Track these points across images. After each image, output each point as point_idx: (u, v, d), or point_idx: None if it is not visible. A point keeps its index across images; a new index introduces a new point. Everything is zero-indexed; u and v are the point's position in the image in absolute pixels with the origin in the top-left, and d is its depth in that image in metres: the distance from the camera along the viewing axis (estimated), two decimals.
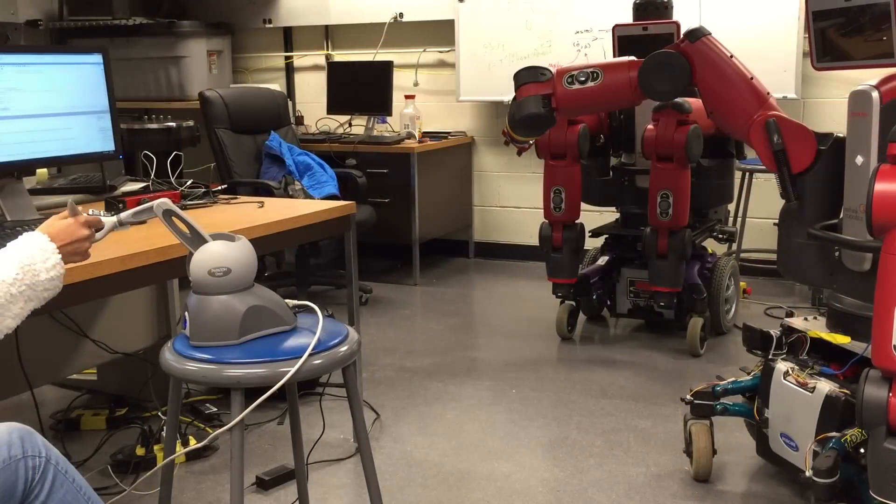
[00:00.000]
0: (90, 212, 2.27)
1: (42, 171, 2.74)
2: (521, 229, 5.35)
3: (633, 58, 2.80)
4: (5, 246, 1.51)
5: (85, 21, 5.29)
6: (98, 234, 1.65)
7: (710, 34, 2.72)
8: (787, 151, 2.43)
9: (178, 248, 1.97)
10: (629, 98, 2.83)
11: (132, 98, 5.26)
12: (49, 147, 2.34)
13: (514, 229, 5.40)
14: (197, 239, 1.69)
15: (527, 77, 2.85)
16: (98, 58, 2.46)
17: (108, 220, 1.67)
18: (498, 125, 5.33)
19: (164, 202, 1.68)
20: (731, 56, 2.68)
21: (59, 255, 1.53)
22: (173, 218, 1.69)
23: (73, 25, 5.32)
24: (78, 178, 2.77)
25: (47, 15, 5.40)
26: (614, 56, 3.65)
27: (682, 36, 2.75)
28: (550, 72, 2.83)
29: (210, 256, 1.68)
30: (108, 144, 2.49)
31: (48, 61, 2.35)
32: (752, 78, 2.62)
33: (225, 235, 1.73)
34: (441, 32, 5.26)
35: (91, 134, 2.45)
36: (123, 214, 1.70)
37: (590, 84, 2.76)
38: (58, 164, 2.65)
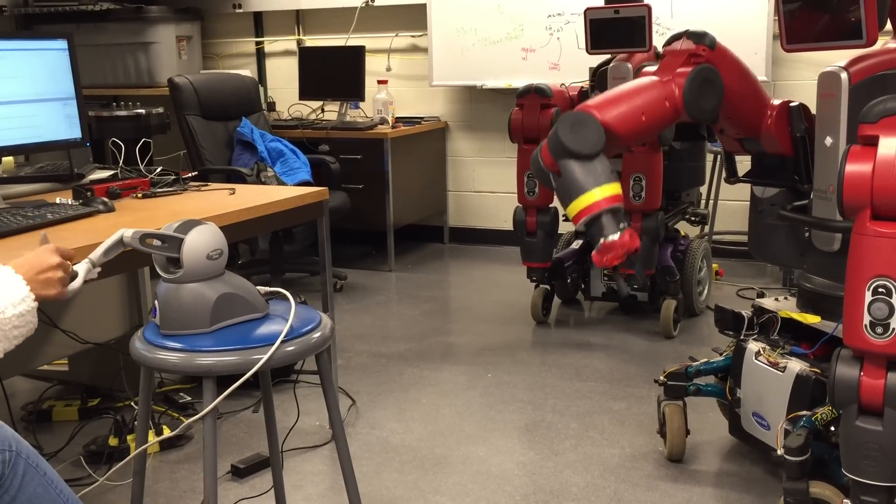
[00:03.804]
0: (58, 199, 2.24)
1: (8, 160, 2.69)
2: (496, 214, 5.35)
3: (652, 77, 2.42)
4: None
5: (51, 7, 5.20)
6: (75, 284, 1.54)
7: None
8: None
9: None
10: (670, 115, 2.38)
11: (100, 85, 5.19)
12: (14, 135, 2.31)
13: (488, 214, 5.40)
14: (173, 242, 1.66)
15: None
16: (63, 43, 2.42)
17: (81, 266, 1.58)
18: (471, 110, 5.32)
19: (135, 231, 1.62)
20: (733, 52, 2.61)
21: (28, 288, 1.41)
22: (146, 239, 1.64)
23: (39, 11, 5.23)
24: (45, 166, 2.73)
25: (12, 0, 5.30)
26: (586, 39, 3.65)
27: (696, 45, 2.41)
28: None
29: (205, 241, 1.65)
30: (74, 132, 2.46)
31: (12, 47, 2.31)
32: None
33: (194, 222, 1.70)
34: (413, 17, 5.23)
35: (57, 121, 2.41)
36: (95, 256, 1.62)
37: (613, 88, 2.38)
38: (23, 152, 2.61)
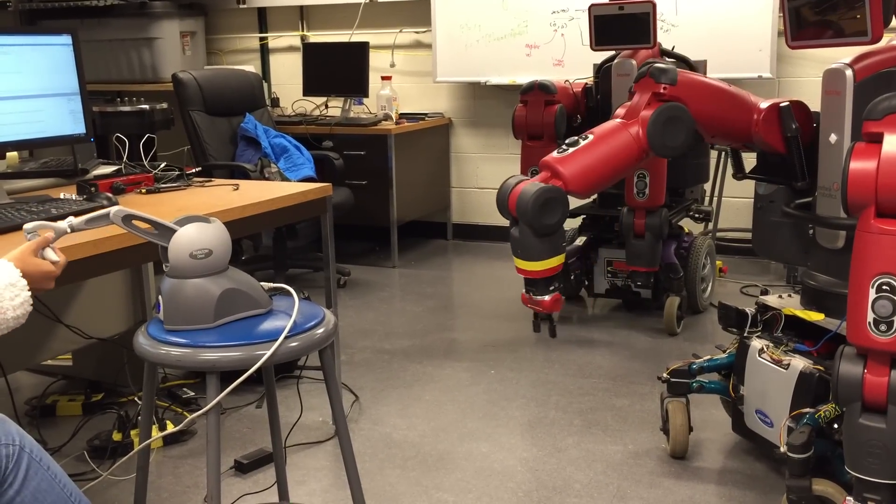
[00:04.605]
0: (62, 195, 2.24)
1: (13, 155, 2.70)
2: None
3: (618, 119, 2.61)
4: None
5: (55, 2, 5.21)
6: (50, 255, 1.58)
7: (678, 69, 2.60)
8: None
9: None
10: (636, 157, 2.58)
11: (104, 80, 5.20)
12: (19, 130, 2.31)
13: (492, 211, 5.37)
14: (165, 232, 1.66)
15: (512, 182, 2.54)
16: (67, 39, 2.42)
17: (59, 226, 1.59)
18: (475, 106, 5.32)
19: (120, 209, 1.63)
20: (705, 77, 2.65)
21: (29, 293, 1.47)
22: (133, 221, 1.65)
23: (44, 6, 5.24)
24: (49, 161, 2.73)
25: None
26: (590, 35, 3.64)
27: (656, 85, 2.54)
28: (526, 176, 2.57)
29: (190, 239, 1.66)
30: (79, 127, 2.46)
31: (16, 42, 2.31)
32: (729, 85, 2.61)
33: (195, 218, 1.71)
34: (417, 13, 5.23)
35: (61, 116, 2.41)
36: (76, 221, 1.63)
37: (583, 143, 2.53)
38: (28, 147, 2.61)
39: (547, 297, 2.60)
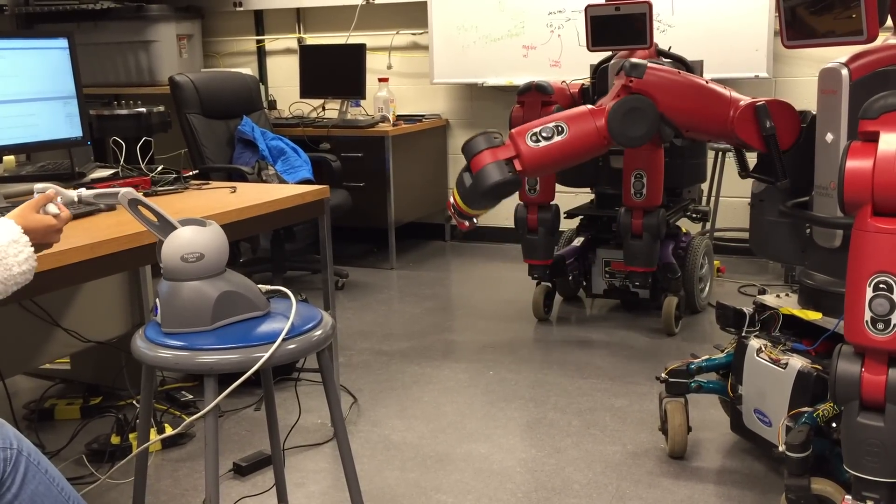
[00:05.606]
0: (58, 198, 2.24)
1: (9, 158, 2.70)
2: (497, 211, 5.28)
3: (590, 106, 2.65)
4: None
5: (51, 6, 5.21)
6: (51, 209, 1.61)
7: (648, 64, 2.62)
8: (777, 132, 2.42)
9: (149, 234, 1.94)
10: (599, 148, 2.63)
11: (101, 83, 5.20)
12: (15, 134, 2.31)
13: (489, 212, 5.38)
14: (166, 226, 1.67)
15: (482, 143, 2.58)
16: (63, 42, 2.43)
17: (68, 193, 1.63)
18: (472, 107, 5.32)
19: (129, 191, 1.66)
20: (679, 72, 2.67)
21: (32, 248, 1.50)
22: (140, 207, 1.66)
23: (40, 10, 5.23)
24: (46, 165, 2.73)
25: None
26: (587, 36, 3.64)
27: (626, 78, 2.57)
28: (500, 134, 2.61)
29: (182, 242, 1.66)
30: (75, 130, 2.46)
31: (12, 46, 2.31)
32: (707, 82, 2.61)
33: (195, 221, 1.71)
34: (414, 14, 5.23)
35: (58, 120, 2.42)
36: (85, 193, 1.67)
37: (556, 139, 2.56)
38: (24, 150, 2.61)
39: (466, 223, 2.86)
